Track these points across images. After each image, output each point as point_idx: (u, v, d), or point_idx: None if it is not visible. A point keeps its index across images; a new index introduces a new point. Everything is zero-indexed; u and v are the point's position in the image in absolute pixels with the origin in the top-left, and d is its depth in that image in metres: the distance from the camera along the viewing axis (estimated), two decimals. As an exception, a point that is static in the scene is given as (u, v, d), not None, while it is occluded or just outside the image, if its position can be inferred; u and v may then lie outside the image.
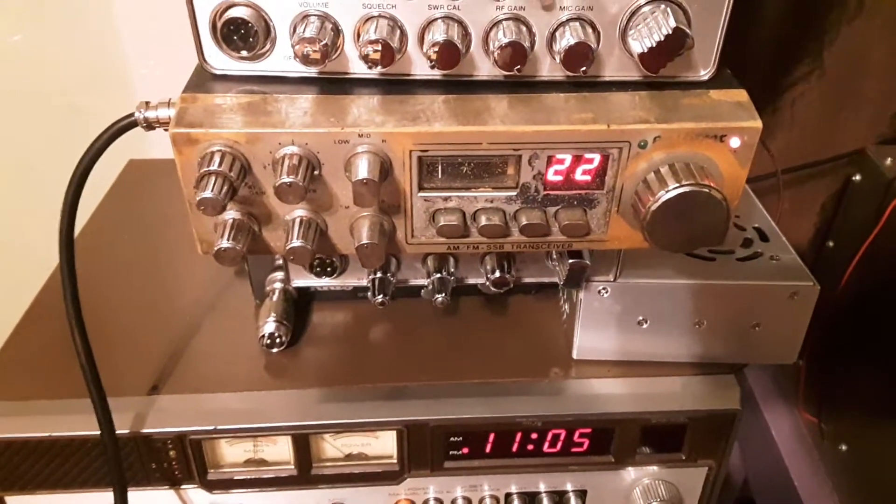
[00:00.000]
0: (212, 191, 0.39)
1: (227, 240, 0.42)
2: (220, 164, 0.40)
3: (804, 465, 0.85)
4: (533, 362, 0.61)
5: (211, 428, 0.56)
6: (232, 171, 0.40)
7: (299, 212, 0.43)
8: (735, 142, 0.42)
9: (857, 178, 0.93)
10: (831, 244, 0.97)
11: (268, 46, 0.43)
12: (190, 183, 0.41)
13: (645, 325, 0.59)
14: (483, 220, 0.44)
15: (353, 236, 0.43)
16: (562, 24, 0.42)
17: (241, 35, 0.42)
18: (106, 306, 0.66)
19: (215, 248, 0.41)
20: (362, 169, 0.40)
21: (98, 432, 0.54)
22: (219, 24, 0.42)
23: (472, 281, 0.58)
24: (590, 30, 0.42)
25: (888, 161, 0.88)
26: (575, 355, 0.61)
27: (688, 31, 0.40)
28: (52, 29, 0.89)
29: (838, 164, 0.95)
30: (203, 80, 0.44)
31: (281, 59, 0.43)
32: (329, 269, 0.57)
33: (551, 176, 0.43)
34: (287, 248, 0.42)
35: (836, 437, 0.81)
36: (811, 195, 0.99)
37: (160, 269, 0.72)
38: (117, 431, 0.54)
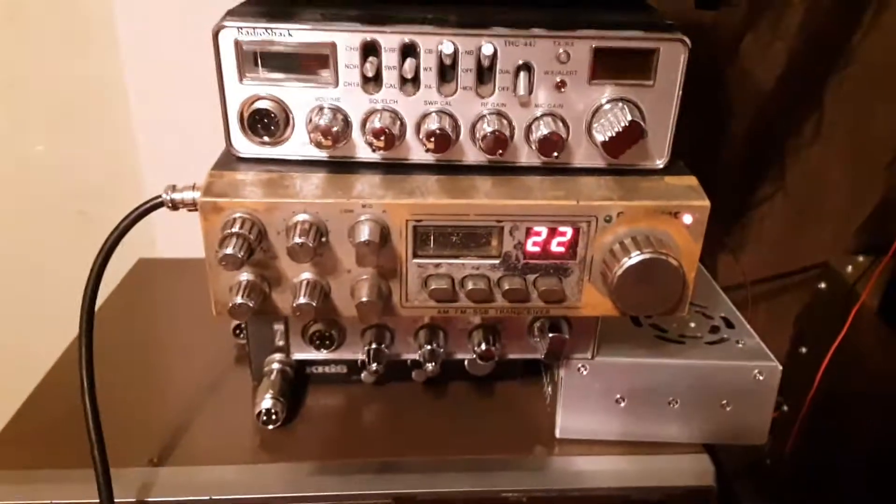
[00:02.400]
0: (233, 248, 0.44)
1: (242, 297, 0.47)
2: (241, 228, 0.46)
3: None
4: (518, 441, 0.64)
5: (206, 498, 0.58)
6: (251, 234, 0.46)
7: (306, 274, 0.49)
8: (688, 218, 0.48)
9: (823, 285, 1.00)
10: (804, 350, 1.03)
11: (287, 133, 0.50)
12: (212, 246, 0.47)
13: (622, 404, 0.63)
14: (469, 286, 0.49)
15: (354, 296, 0.48)
16: (537, 118, 0.49)
17: (265, 123, 0.49)
18: (107, 390, 0.69)
19: (230, 304, 0.46)
20: (364, 232, 0.46)
21: (97, 501, 0.56)
22: (246, 115, 0.49)
23: (460, 356, 0.62)
24: (560, 123, 0.49)
25: (849, 269, 0.95)
26: (558, 434, 0.64)
27: (642, 123, 0.47)
28: (71, 140, 0.95)
29: (808, 276, 1.01)
30: (228, 161, 0.51)
31: (297, 145, 0.51)
32: (328, 341, 0.61)
33: (530, 246, 0.49)
34: (294, 304, 0.47)
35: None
36: (785, 308, 1.05)
37: (165, 356, 0.76)
38: (116, 500, 0.56)
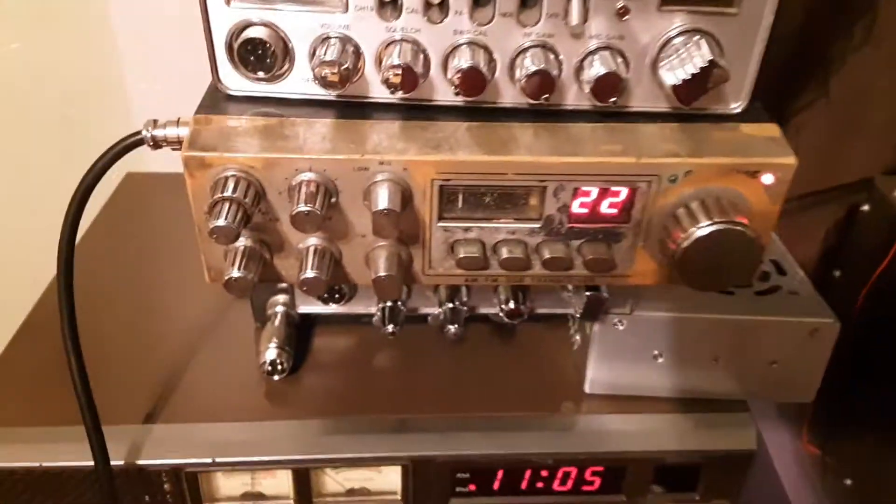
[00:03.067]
0: (225, 218, 0.37)
1: (239, 269, 0.40)
2: (234, 191, 0.38)
3: (807, 498, 0.83)
4: (543, 395, 0.59)
5: (208, 461, 0.54)
6: (247, 198, 0.38)
7: (313, 240, 0.41)
8: (768, 178, 0.40)
9: (866, 208, 0.92)
10: (838, 274, 0.96)
11: (286, 68, 0.41)
12: (201, 209, 0.39)
13: (660, 360, 0.57)
14: (504, 253, 0.42)
15: (370, 267, 0.41)
16: (591, 52, 0.40)
17: (259, 56, 0.40)
18: (100, 327, 0.63)
19: (225, 278, 0.39)
20: (383, 198, 0.38)
21: (91, 463, 0.51)
22: (235, 45, 0.40)
23: (484, 311, 0.56)
24: (619, 59, 0.40)
25: (896, 193, 0.87)
26: (587, 389, 0.59)
27: (722, 63, 0.38)
28: (50, 39, 0.87)
29: (843, 193, 0.94)
30: (216, 100, 0.42)
31: (299, 82, 0.42)
32: (337, 295, 0.55)
33: (576, 208, 0.42)
34: (300, 278, 0.40)
35: (840, 472, 0.80)
36: (814, 223, 0.98)
37: (158, 288, 0.70)
38: (111, 462, 0.52)
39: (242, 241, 0.41)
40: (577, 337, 0.61)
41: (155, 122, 0.45)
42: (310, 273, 0.40)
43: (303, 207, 0.37)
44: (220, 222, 0.37)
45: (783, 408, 0.94)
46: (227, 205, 0.37)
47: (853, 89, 0.90)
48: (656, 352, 0.57)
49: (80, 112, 0.90)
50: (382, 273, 0.40)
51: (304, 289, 0.40)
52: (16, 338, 0.62)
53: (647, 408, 0.58)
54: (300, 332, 0.62)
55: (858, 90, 0.90)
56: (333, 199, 0.40)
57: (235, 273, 0.39)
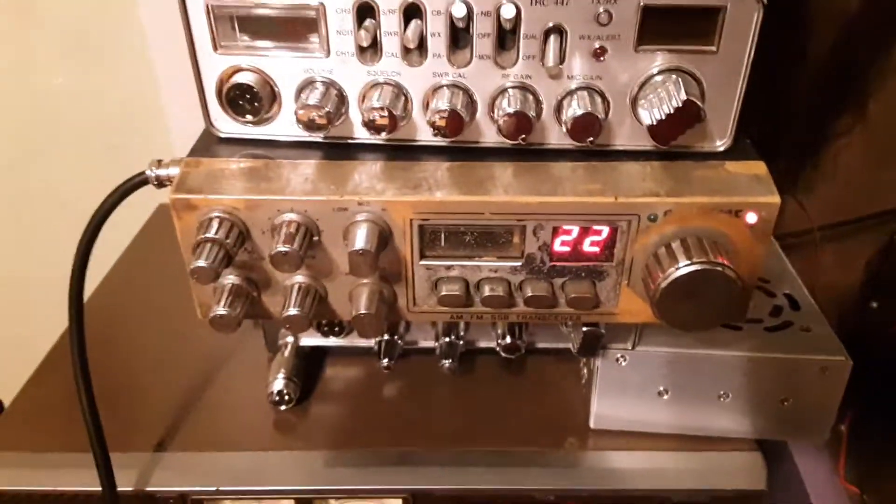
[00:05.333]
0: (205, 259, 0.38)
1: (224, 306, 0.41)
2: (216, 231, 0.39)
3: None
4: (548, 430, 0.59)
5: (213, 489, 0.55)
6: (229, 239, 0.39)
7: (298, 278, 0.42)
8: (752, 217, 0.40)
9: (901, 235, 0.89)
10: (875, 305, 0.92)
11: (274, 110, 0.43)
12: (189, 248, 0.41)
13: (666, 396, 0.56)
14: (486, 291, 0.42)
15: (352, 305, 0.42)
16: (570, 92, 0.40)
17: (247, 99, 0.42)
18: (122, 354, 0.66)
19: (210, 315, 0.41)
20: (359, 239, 0.39)
21: (100, 489, 0.53)
22: (224, 89, 0.42)
23: (483, 345, 0.56)
24: (598, 99, 0.40)
25: (934, 218, 0.84)
26: (592, 424, 0.58)
27: (700, 103, 0.38)
28: (91, 72, 0.91)
29: (885, 221, 0.91)
30: (209, 143, 0.44)
31: (287, 124, 0.43)
32: (336, 328, 0.55)
33: (557, 247, 0.42)
34: (283, 315, 0.41)
35: (879, 511, 0.76)
36: (856, 249, 0.94)
37: (180, 318, 0.72)
38: (119, 488, 0.54)
39: (230, 279, 0.42)
40: (585, 370, 0.61)
41: (159, 161, 0.46)
42: (292, 311, 0.41)
43: (281, 248, 0.39)
44: (201, 263, 0.38)
45: (820, 445, 0.90)
46: (208, 246, 0.39)
47: (892, 114, 0.87)
48: (661, 388, 0.56)
49: (123, 140, 0.94)
50: (363, 311, 0.41)
51: (287, 326, 0.41)
52: (39, 369, 0.65)
53: (655, 444, 0.57)
54: (312, 362, 0.63)
55: (897, 114, 0.87)
56: (315, 238, 0.41)
57: (220, 310, 0.41)
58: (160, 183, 0.47)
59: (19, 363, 0.66)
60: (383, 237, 0.40)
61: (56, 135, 0.95)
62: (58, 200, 0.95)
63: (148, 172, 0.47)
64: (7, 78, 0.91)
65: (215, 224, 0.39)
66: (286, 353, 0.62)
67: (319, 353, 0.65)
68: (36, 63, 0.90)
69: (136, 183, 0.48)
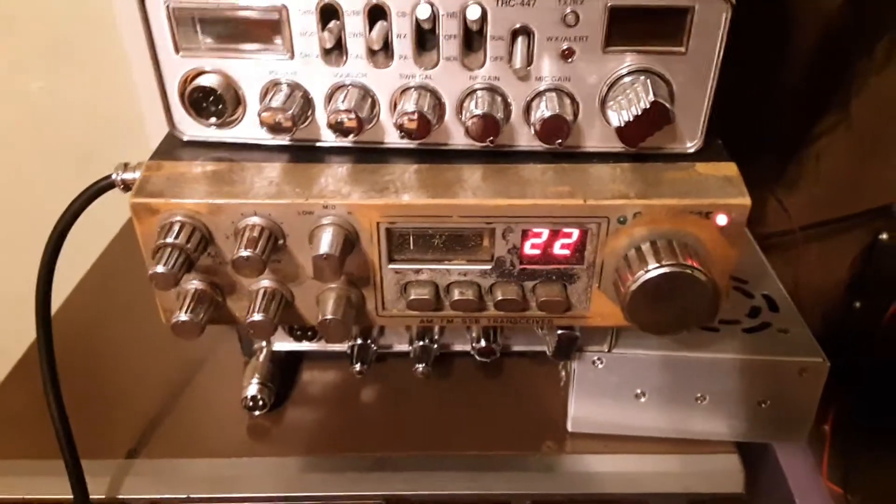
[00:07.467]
0: (164, 265, 0.37)
1: (186, 312, 0.40)
2: (177, 236, 0.38)
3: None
4: (525, 433, 0.58)
5: (184, 496, 0.54)
6: (189, 243, 0.38)
7: (264, 282, 0.42)
8: (722, 219, 0.39)
9: (884, 236, 0.88)
10: (858, 305, 0.92)
11: (238, 113, 0.42)
12: (150, 254, 0.40)
13: (643, 399, 0.56)
14: (456, 295, 0.42)
15: (319, 309, 0.41)
16: (538, 94, 0.40)
17: (211, 102, 0.41)
18: (95, 360, 0.65)
19: (172, 321, 0.40)
20: (324, 243, 0.38)
21: (71, 496, 0.52)
22: (187, 91, 0.41)
23: (458, 348, 0.56)
24: (567, 101, 0.40)
25: (917, 218, 0.83)
26: (570, 428, 0.58)
27: (668, 105, 0.37)
28: (70, 77, 0.90)
29: (868, 220, 0.90)
30: (172, 146, 0.43)
31: (251, 127, 0.42)
32: (309, 333, 0.55)
33: (528, 250, 0.41)
34: (247, 321, 0.40)
35: (862, 510, 0.76)
36: (839, 249, 0.94)
37: (153, 323, 0.71)
38: (91, 496, 0.53)
39: (194, 284, 0.41)
40: (563, 372, 0.60)
41: (126, 165, 0.46)
42: (256, 316, 0.40)
43: (243, 252, 0.38)
44: (159, 268, 0.37)
45: (804, 445, 0.90)
46: (167, 251, 0.38)
47: (875, 112, 0.87)
48: (639, 390, 0.55)
49: (101, 147, 0.93)
50: (329, 316, 0.40)
51: (252, 332, 0.41)
52: (11, 375, 0.64)
53: (633, 448, 0.57)
54: (287, 367, 0.63)
55: (881, 113, 0.87)
56: (281, 242, 0.40)
57: (182, 317, 0.40)
58: (126, 186, 0.46)
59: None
60: (349, 241, 0.39)
61: (35, 139, 0.94)
62: (37, 205, 0.93)
63: (114, 176, 0.46)
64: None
65: (176, 228, 0.39)
66: (261, 357, 0.61)
67: (295, 358, 0.64)
68: (16, 67, 0.90)
69: (102, 187, 0.47)
